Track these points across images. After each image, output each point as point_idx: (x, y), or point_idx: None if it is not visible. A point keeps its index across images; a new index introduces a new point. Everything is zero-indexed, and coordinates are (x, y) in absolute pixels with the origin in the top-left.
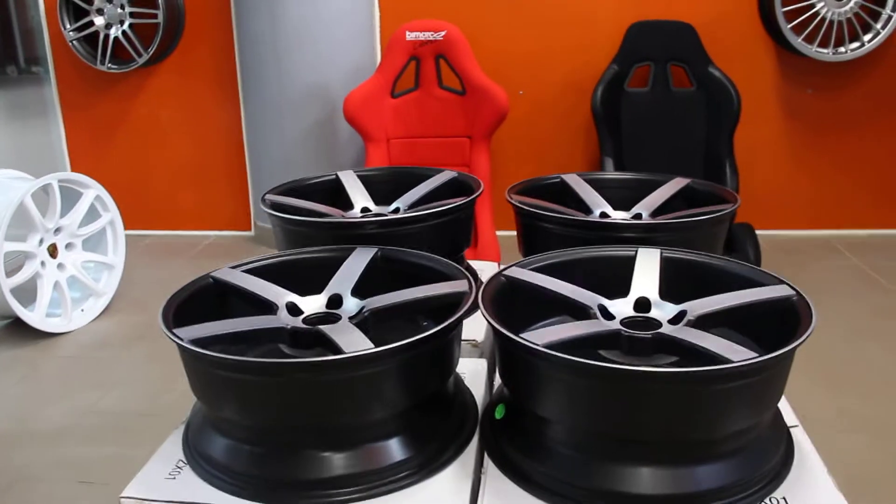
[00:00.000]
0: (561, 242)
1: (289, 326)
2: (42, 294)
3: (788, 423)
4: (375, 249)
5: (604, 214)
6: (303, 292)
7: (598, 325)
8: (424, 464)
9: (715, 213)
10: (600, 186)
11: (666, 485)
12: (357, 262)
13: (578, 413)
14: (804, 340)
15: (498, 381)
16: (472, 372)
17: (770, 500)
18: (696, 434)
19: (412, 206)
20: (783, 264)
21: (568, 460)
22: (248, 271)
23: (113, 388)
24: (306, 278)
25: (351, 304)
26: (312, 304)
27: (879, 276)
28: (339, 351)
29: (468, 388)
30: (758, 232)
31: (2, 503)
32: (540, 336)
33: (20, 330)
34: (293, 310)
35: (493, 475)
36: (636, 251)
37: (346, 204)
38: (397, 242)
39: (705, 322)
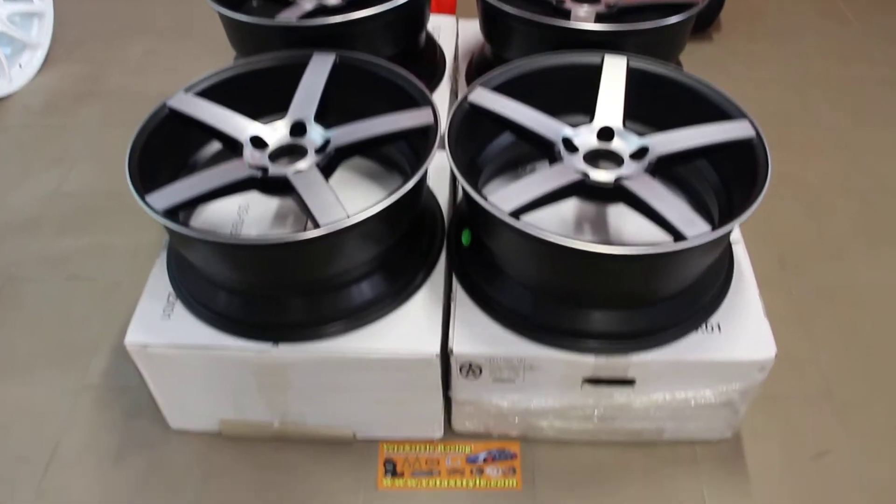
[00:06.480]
0: (524, 40)
1: (259, 175)
2: None
3: (732, 239)
4: (333, 56)
5: None
6: (263, 110)
7: (562, 176)
8: (399, 291)
9: (685, 15)
10: None
11: (610, 325)
12: (316, 76)
13: (534, 270)
14: (751, 213)
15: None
16: (436, 168)
17: (706, 325)
18: (642, 291)
19: None
20: None
21: (526, 298)
22: (204, 93)
23: (73, 164)
24: (265, 93)
25: (315, 135)
26: (276, 135)
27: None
28: (311, 215)
29: (433, 194)
30: None
31: None
32: (506, 197)
33: None
34: (258, 142)
35: (462, 302)
36: (602, 58)
37: None
38: (355, 38)
39: (665, 162)
